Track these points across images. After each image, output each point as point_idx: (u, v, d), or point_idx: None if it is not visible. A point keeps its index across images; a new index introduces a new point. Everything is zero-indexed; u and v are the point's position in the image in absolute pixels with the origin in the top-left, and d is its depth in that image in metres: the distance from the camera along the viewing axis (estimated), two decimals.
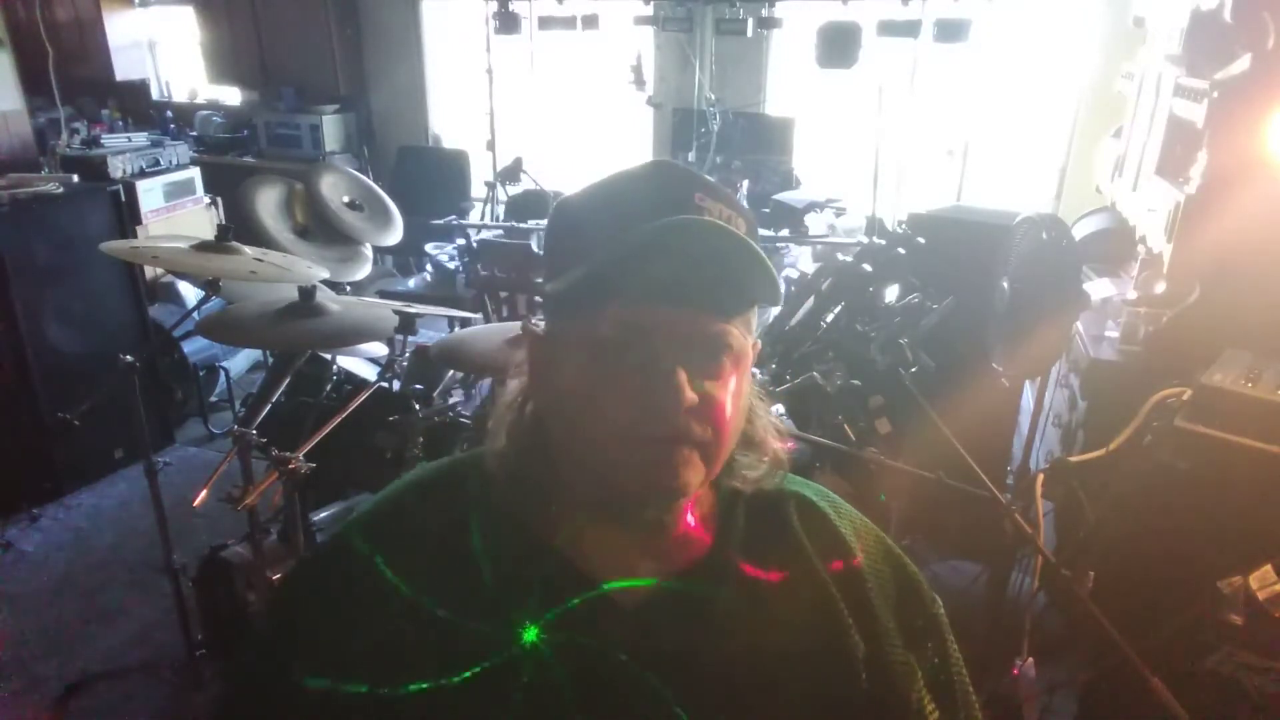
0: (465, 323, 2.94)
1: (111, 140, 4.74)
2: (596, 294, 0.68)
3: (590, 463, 0.72)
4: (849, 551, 0.84)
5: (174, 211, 4.63)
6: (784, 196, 4.61)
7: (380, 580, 0.74)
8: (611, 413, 0.69)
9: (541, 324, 0.76)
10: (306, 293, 2.11)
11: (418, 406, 2.41)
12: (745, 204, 0.76)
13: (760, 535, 0.81)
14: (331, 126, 5.72)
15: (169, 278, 4.31)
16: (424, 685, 0.69)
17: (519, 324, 2.00)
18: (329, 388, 2.69)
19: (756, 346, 0.76)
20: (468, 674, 0.70)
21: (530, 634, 0.71)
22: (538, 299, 0.82)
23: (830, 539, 0.84)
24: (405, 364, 2.56)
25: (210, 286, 2.39)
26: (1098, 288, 3.04)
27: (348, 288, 3.00)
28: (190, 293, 4.28)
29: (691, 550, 0.78)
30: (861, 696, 0.77)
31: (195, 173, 4.80)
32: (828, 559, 0.82)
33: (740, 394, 0.73)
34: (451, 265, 4.04)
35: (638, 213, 0.68)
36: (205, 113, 6.19)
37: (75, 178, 3.64)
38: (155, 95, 6.49)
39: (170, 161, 4.71)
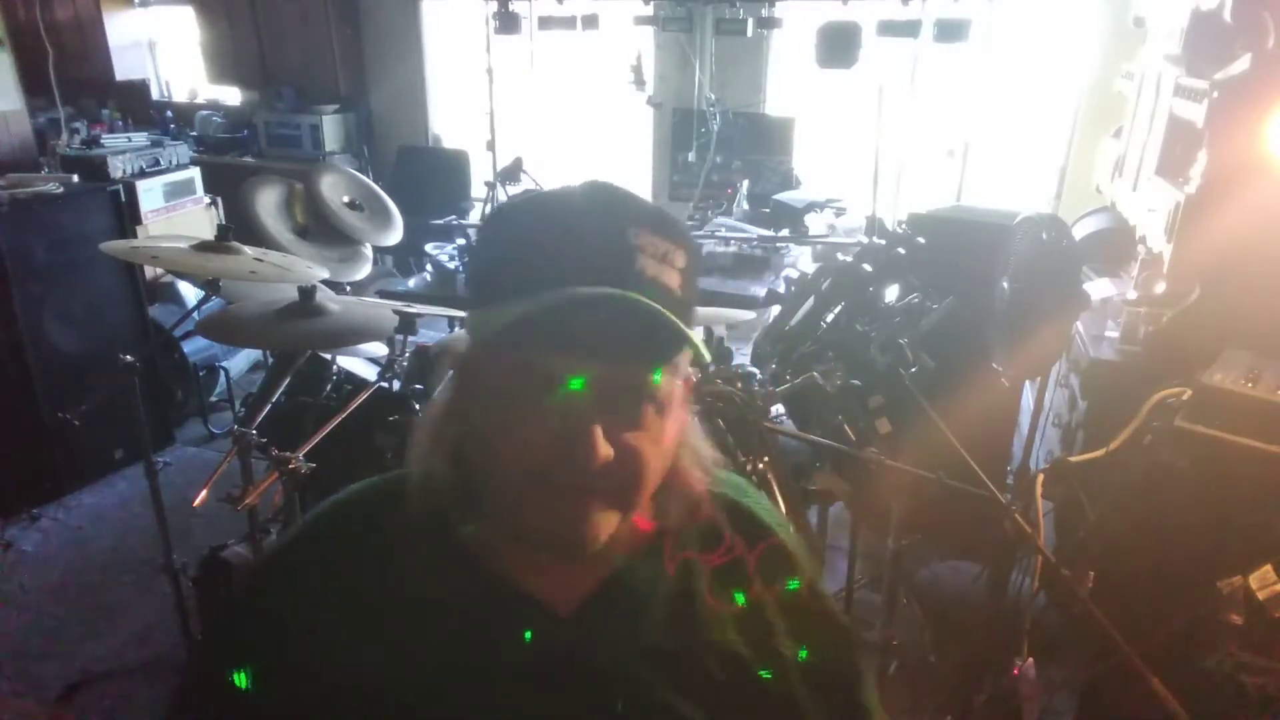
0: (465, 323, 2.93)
1: (111, 140, 4.73)
2: (520, 338, 0.66)
3: (503, 495, 0.71)
4: (770, 534, 0.86)
5: (174, 211, 4.63)
6: (784, 196, 4.61)
7: (320, 602, 0.74)
8: (525, 452, 0.68)
9: (463, 341, 0.75)
10: (306, 293, 2.11)
11: (418, 406, 2.41)
12: (689, 237, 0.72)
13: (690, 536, 0.82)
14: (331, 126, 5.72)
15: (169, 278, 4.31)
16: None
17: None
18: (329, 388, 2.68)
19: (690, 381, 0.75)
20: (408, 692, 0.71)
21: (464, 651, 0.72)
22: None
23: (752, 527, 0.86)
24: (405, 364, 2.56)
25: (210, 286, 2.40)
26: (1098, 288, 3.04)
27: (348, 288, 3.00)
28: (190, 293, 4.27)
29: (619, 551, 0.78)
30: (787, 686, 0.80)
31: (195, 173, 4.80)
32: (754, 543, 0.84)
33: (663, 439, 0.71)
34: (451, 265, 4.04)
35: (571, 256, 0.67)
36: (205, 113, 6.19)
37: (75, 178, 3.63)
38: (155, 95, 6.48)
39: (170, 161, 4.70)
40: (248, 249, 2.24)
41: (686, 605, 0.78)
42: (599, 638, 0.75)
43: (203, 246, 2.21)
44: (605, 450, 0.66)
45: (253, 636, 0.75)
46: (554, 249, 0.67)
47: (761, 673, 0.78)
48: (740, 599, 0.80)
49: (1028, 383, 3.05)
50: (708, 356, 0.70)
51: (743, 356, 3.03)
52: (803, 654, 0.81)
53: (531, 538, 0.72)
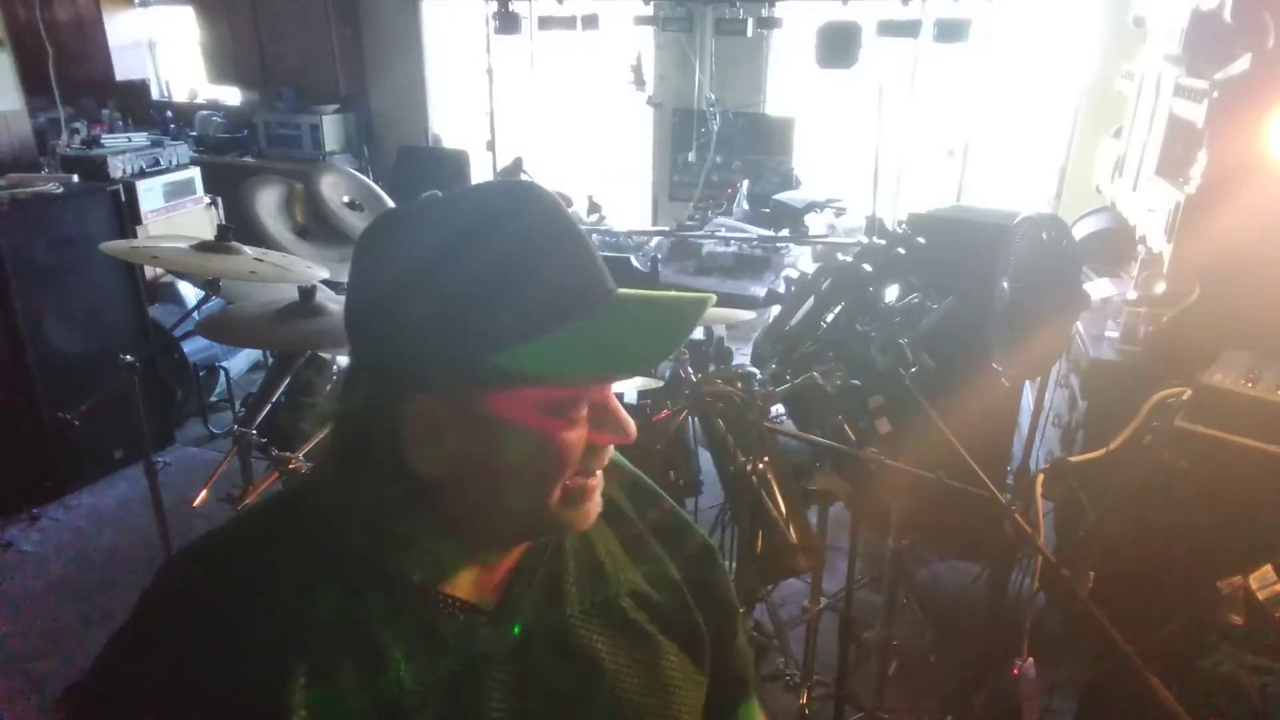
0: None
1: (111, 140, 4.73)
2: (602, 352, 0.69)
3: (525, 514, 0.74)
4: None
5: (174, 211, 4.63)
6: (784, 196, 4.61)
7: (242, 629, 0.69)
8: (563, 466, 0.72)
9: (425, 402, 0.69)
10: (306, 293, 2.11)
11: None
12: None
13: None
14: (331, 126, 5.72)
15: (169, 278, 4.31)
16: None
17: None
18: (329, 388, 2.68)
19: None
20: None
21: (409, 669, 0.71)
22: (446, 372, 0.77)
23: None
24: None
25: (210, 286, 2.40)
26: (1098, 288, 3.04)
27: None
28: (190, 293, 4.28)
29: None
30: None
31: (195, 173, 4.80)
32: (642, 511, 0.92)
33: None
34: None
35: (576, 263, 0.70)
36: (205, 113, 6.18)
37: (75, 178, 3.63)
38: (155, 95, 6.48)
39: (170, 161, 4.70)
40: (248, 249, 2.24)
41: (591, 562, 0.85)
42: (526, 614, 0.79)
43: (203, 246, 2.21)
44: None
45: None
46: (556, 262, 0.69)
47: (661, 598, 0.87)
48: (629, 541, 0.89)
49: (1028, 383, 3.05)
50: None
51: (743, 356, 3.04)
52: (678, 569, 0.90)
53: (541, 535, 0.78)
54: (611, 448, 0.76)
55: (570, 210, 0.75)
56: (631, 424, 0.74)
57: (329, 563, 0.71)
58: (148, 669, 0.68)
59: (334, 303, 2.19)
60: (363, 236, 0.73)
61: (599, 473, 0.76)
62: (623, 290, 0.73)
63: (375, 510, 0.73)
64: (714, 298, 0.73)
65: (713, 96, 5.01)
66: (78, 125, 5.25)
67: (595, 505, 0.76)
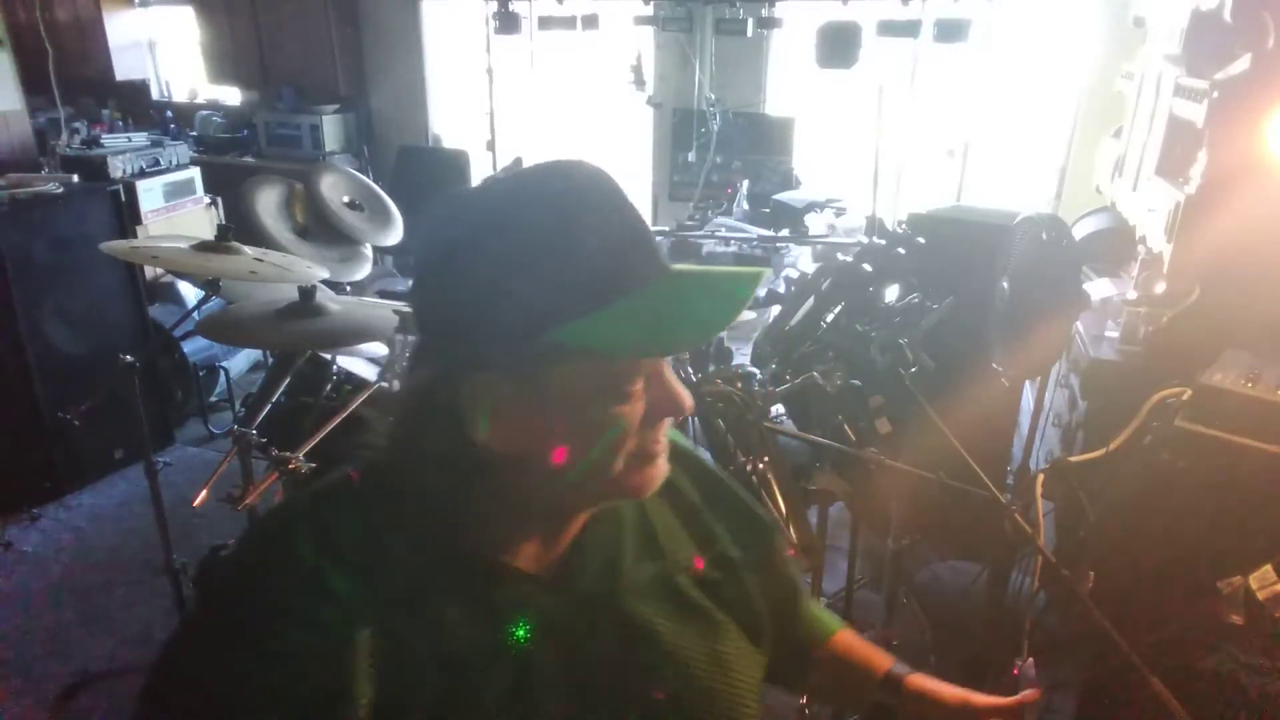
0: None
1: (111, 140, 4.73)
2: (658, 330, 0.70)
3: (585, 487, 0.75)
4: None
5: (174, 211, 4.63)
6: (784, 196, 4.61)
7: (326, 591, 0.70)
8: (627, 435, 0.72)
9: (487, 378, 0.70)
10: (306, 293, 2.11)
11: None
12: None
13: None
14: (331, 126, 5.72)
15: (169, 278, 4.31)
16: (365, 703, 0.67)
17: None
18: (329, 388, 2.68)
19: None
20: (434, 679, 0.70)
21: (470, 638, 0.72)
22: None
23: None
24: (405, 364, 2.56)
25: (210, 286, 2.40)
26: (1098, 288, 3.04)
27: (348, 288, 3.00)
28: (190, 293, 4.28)
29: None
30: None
31: (195, 173, 4.80)
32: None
33: None
34: None
35: (625, 240, 0.70)
36: (205, 113, 6.19)
37: (75, 178, 3.63)
38: (155, 95, 6.48)
39: (170, 161, 4.70)
40: (248, 249, 2.24)
41: (649, 539, 0.86)
42: (584, 588, 0.80)
43: (203, 246, 2.21)
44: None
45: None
46: (605, 234, 0.70)
47: (719, 576, 0.88)
48: (687, 520, 0.91)
49: (1028, 383, 3.05)
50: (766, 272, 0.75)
51: (743, 356, 3.04)
52: (737, 549, 0.92)
53: (607, 500, 0.79)
54: (669, 421, 0.76)
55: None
56: (687, 398, 0.75)
57: (393, 534, 0.73)
58: (220, 641, 0.70)
59: (334, 303, 2.19)
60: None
61: (661, 439, 0.76)
62: (677, 266, 0.73)
63: (438, 483, 0.74)
64: (768, 271, 0.75)
65: (713, 96, 5.01)
66: (78, 125, 5.25)
67: (658, 471, 0.77)
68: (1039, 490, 1.84)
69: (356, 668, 0.67)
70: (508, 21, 4.73)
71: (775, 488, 1.80)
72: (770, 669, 0.92)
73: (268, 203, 2.97)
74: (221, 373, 4.07)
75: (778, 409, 2.33)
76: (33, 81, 4.61)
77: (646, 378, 0.73)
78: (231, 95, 6.29)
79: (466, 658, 0.71)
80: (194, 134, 6.05)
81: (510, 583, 0.76)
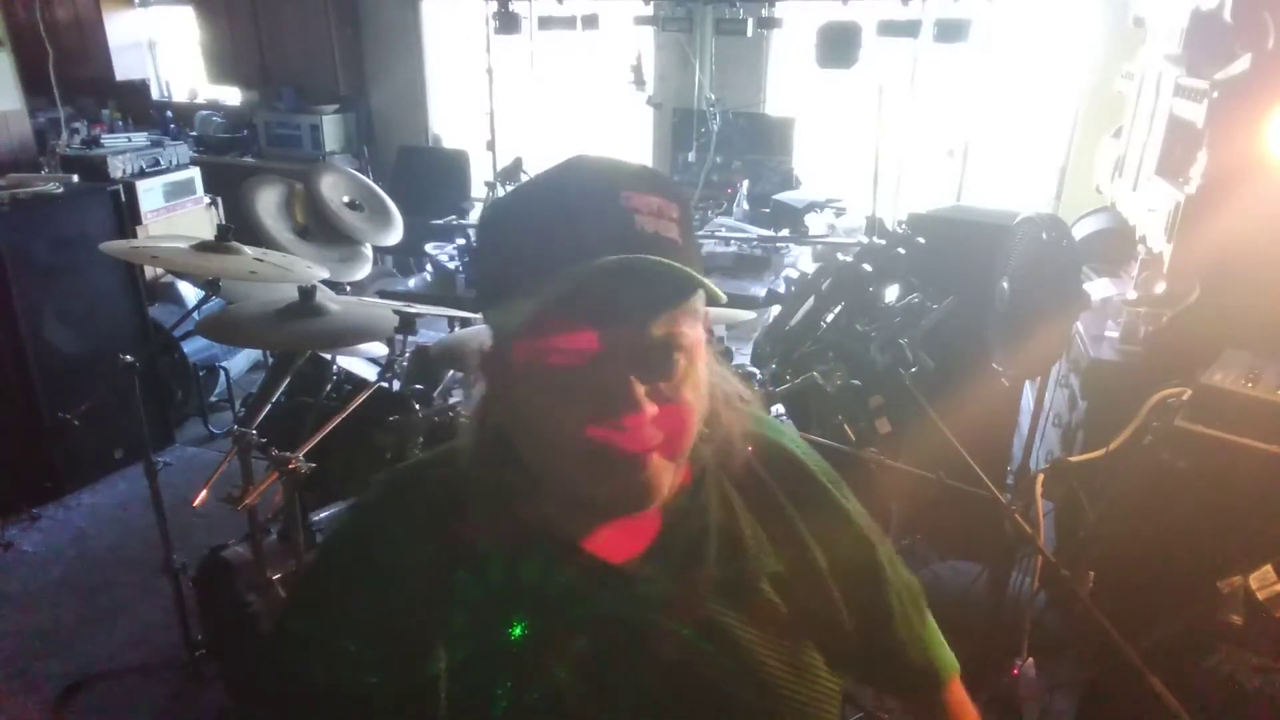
0: (465, 323, 2.93)
1: (111, 140, 4.74)
2: (544, 325, 0.69)
3: (559, 477, 0.74)
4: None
5: (174, 211, 4.63)
6: (784, 196, 4.61)
7: (398, 567, 0.76)
8: (573, 432, 0.70)
9: (489, 341, 0.77)
10: (306, 293, 2.11)
11: (418, 406, 2.41)
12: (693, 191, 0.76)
13: (727, 473, 0.86)
14: (331, 126, 5.72)
15: (169, 278, 4.31)
16: (444, 666, 0.73)
17: None
18: (329, 388, 2.68)
19: (707, 319, 0.78)
20: (497, 649, 0.74)
21: (550, 621, 0.75)
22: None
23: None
24: (405, 364, 2.56)
25: (210, 286, 2.39)
26: (1098, 288, 3.04)
27: (348, 288, 3.00)
28: (190, 293, 4.28)
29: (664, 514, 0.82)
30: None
31: (195, 173, 4.80)
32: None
33: (699, 383, 0.75)
34: (451, 265, 4.03)
35: (572, 235, 0.69)
36: (205, 113, 6.19)
37: (75, 178, 3.63)
38: (155, 95, 6.48)
39: (170, 161, 4.70)
40: (248, 249, 2.24)
41: (733, 539, 0.83)
42: (662, 583, 0.78)
43: (203, 246, 2.21)
44: (651, 408, 0.70)
45: (339, 619, 0.77)
46: (553, 233, 0.70)
47: (802, 587, 0.84)
48: (774, 524, 0.86)
49: (1028, 383, 3.05)
50: (722, 297, 0.73)
51: (743, 356, 3.03)
52: (826, 560, 0.87)
53: (599, 506, 0.75)
54: (637, 421, 0.70)
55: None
56: (627, 399, 0.69)
57: (457, 511, 0.76)
58: (325, 600, 0.80)
59: (334, 303, 2.19)
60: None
61: (625, 444, 0.70)
62: (618, 256, 0.68)
63: (472, 462, 0.78)
64: (718, 297, 0.73)
65: (713, 96, 5.01)
66: (78, 125, 5.26)
67: (633, 478, 0.71)
68: (1039, 490, 1.84)
69: (439, 644, 0.73)
70: (508, 21, 4.73)
71: None
72: (867, 676, 0.91)
73: (268, 203, 2.97)
74: (221, 373, 4.07)
75: (778, 409, 2.33)
76: (33, 81, 4.62)
77: (600, 384, 0.69)
78: (231, 95, 6.29)
79: (529, 645, 0.74)
80: (194, 134, 6.05)
81: (579, 566, 0.77)
